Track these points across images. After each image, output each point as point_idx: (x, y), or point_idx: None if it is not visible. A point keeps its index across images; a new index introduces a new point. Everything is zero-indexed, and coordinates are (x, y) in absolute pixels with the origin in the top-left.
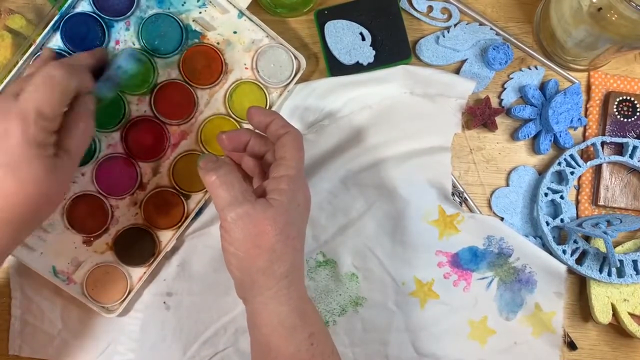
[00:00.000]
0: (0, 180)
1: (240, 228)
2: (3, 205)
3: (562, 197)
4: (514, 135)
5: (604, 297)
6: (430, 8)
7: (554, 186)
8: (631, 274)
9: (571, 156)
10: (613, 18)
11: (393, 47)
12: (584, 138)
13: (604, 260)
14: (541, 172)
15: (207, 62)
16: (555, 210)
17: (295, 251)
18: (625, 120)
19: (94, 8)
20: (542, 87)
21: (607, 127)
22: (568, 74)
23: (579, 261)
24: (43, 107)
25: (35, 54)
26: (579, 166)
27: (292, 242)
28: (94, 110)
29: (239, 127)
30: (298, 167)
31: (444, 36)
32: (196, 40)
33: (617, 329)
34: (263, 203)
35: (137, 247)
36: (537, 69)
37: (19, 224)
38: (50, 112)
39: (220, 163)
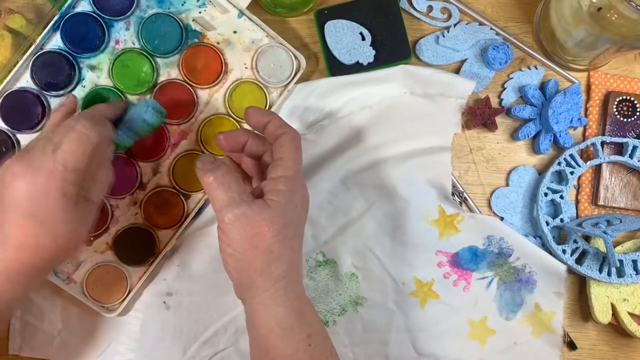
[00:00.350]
0: (37, 235)
1: (237, 229)
2: (38, 257)
3: (562, 197)
4: (513, 135)
5: (604, 297)
6: (430, 8)
7: (554, 186)
8: (631, 274)
9: (571, 156)
10: (613, 18)
11: (393, 47)
12: (584, 138)
13: (603, 260)
14: (541, 172)
15: (207, 62)
16: (555, 210)
17: (292, 252)
18: (625, 120)
19: (94, 8)
20: (542, 87)
21: (606, 127)
22: (568, 73)
23: (579, 261)
24: (79, 164)
25: (36, 53)
26: (579, 166)
27: (289, 242)
28: (112, 158)
29: (238, 127)
30: (296, 168)
31: (443, 36)
32: (196, 40)
33: (616, 328)
34: (260, 204)
35: (137, 246)
36: (537, 68)
37: (46, 269)
38: (83, 168)
39: (217, 164)
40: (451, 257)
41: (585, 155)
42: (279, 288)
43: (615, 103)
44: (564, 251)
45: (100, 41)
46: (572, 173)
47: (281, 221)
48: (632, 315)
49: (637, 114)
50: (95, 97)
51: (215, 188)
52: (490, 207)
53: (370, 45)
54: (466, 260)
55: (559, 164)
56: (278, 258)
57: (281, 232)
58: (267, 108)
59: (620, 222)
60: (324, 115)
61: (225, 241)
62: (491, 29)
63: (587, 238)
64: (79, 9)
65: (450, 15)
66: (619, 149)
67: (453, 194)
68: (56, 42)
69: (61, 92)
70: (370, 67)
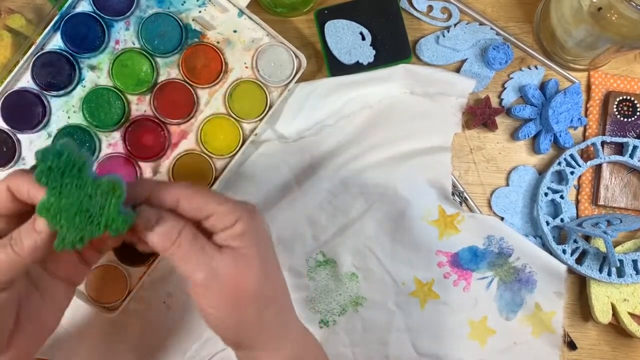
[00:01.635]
0: None
1: (216, 288)
2: None
3: (562, 197)
4: (514, 135)
5: (604, 296)
6: (430, 8)
7: (554, 186)
8: (631, 274)
9: (571, 156)
10: (613, 18)
11: (393, 46)
12: (584, 138)
13: (604, 260)
14: (541, 172)
15: (207, 61)
16: (555, 210)
17: (277, 285)
18: (625, 120)
19: (94, 8)
20: (542, 86)
21: (607, 126)
22: (568, 73)
23: (579, 261)
24: None
25: (36, 54)
26: (579, 166)
27: (272, 280)
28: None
29: (238, 126)
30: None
31: (444, 36)
32: (196, 40)
33: (617, 328)
34: (230, 253)
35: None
36: (537, 68)
37: None
38: None
39: (163, 215)
40: (451, 257)
41: (586, 155)
42: (278, 328)
43: (616, 103)
44: (564, 251)
45: (100, 41)
46: (572, 173)
47: (258, 263)
48: (632, 315)
49: (638, 113)
50: (96, 97)
51: (177, 245)
52: (490, 207)
53: (370, 45)
54: (466, 260)
55: (559, 163)
56: (268, 301)
57: (262, 274)
58: (267, 107)
59: (621, 222)
60: (325, 115)
61: (206, 304)
62: (491, 28)
63: (587, 238)
64: (79, 9)
65: (450, 15)
66: (619, 149)
67: (453, 194)
68: (56, 42)
69: (62, 92)
70: (371, 67)
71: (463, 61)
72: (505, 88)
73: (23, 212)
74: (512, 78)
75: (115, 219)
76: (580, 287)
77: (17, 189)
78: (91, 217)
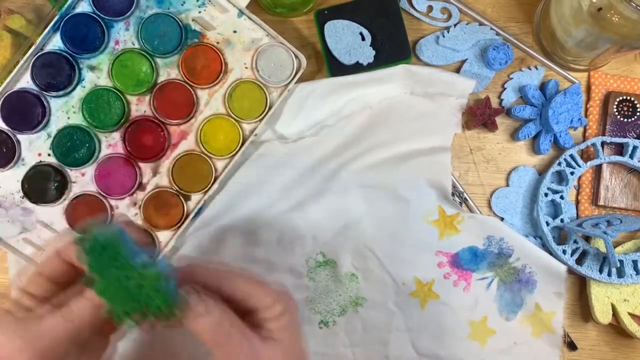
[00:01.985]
0: None
1: None
2: None
3: (562, 197)
4: (514, 136)
5: (604, 297)
6: (430, 8)
7: (554, 186)
8: (631, 274)
9: (571, 156)
10: (613, 18)
11: (393, 47)
12: (584, 138)
13: (604, 261)
14: (541, 172)
15: (206, 62)
16: (555, 210)
17: None
18: (625, 120)
19: (94, 8)
20: (542, 87)
21: (607, 127)
22: (568, 74)
23: (579, 261)
24: None
25: (36, 54)
26: (579, 166)
27: None
28: None
29: (238, 127)
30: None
31: (444, 36)
32: (196, 40)
33: (617, 329)
34: (273, 345)
35: None
36: (537, 69)
37: None
38: None
39: (212, 305)
40: (451, 257)
41: (586, 155)
42: None
43: (616, 103)
44: (564, 251)
45: (100, 42)
46: (572, 173)
47: (296, 352)
48: (632, 315)
49: (638, 114)
50: (96, 97)
51: (228, 337)
52: (490, 207)
53: (370, 46)
54: (466, 261)
55: (559, 164)
56: None
57: None
58: (267, 107)
59: (621, 222)
60: (324, 116)
61: None
62: (491, 29)
63: (587, 238)
64: (79, 9)
65: (450, 16)
66: (619, 149)
67: (453, 194)
68: (56, 43)
69: (61, 92)
70: (370, 67)
71: (463, 61)
72: (505, 88)
73: (73, 275)
74: (512, 78)
75: (163, 307)
76: (580, 287)
77: (69, 256)
78: (139, 302)
